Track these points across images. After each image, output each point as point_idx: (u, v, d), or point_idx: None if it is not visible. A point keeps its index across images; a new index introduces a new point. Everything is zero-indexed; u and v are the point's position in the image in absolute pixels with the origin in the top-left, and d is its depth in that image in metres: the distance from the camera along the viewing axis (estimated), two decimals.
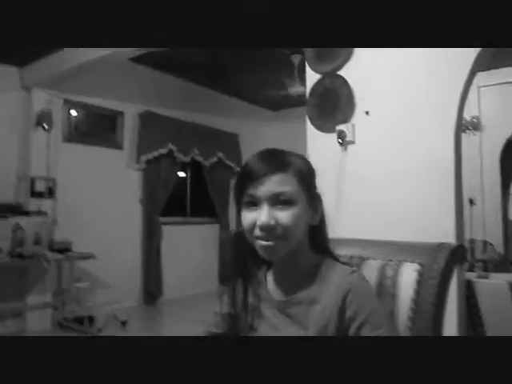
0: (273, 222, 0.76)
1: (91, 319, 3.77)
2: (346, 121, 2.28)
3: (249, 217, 0.79)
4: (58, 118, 4.08)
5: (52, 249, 3.67)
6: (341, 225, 2.22)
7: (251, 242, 0.80)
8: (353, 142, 2.27)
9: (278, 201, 0.77)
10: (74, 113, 4.26)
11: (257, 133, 5.99)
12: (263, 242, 0.78)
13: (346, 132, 2.26)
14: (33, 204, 3.81)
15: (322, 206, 0.86)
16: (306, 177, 0.81)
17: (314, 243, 0.86)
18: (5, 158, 3.81)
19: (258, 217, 0.77)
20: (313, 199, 0.83)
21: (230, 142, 5.83)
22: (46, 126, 3.90)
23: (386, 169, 2.16)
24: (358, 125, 2.27)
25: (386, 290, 0.85)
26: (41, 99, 3.96)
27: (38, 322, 3.81)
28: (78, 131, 4.27)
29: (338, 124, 2.30)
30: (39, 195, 3.87)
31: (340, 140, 2.27)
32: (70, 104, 4.22)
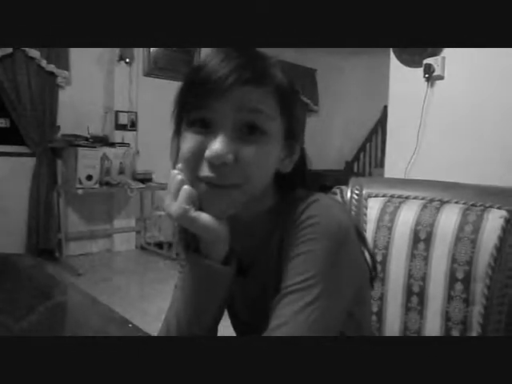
0: (230, 156, 0.50)
1: (170, 245, 4.08)
2: (435, 53, 2.08)
3: (193, 141, 0.52)
4: (139, 53, 4.19)
5: (135, 178, 3.93)
6: (421, 165, 2.11)
7: (191, 187, 0.53)
8: (441, 78, 2.08)
9: (242, 126, 0.52)
10: (153, 48, 4.33)
11: (335, 68, 5.71)
12: (210, 188, 0.52)
13: (435, 66, 2.07)
14: (117, 136, 4.05)
15: (300, 148, 0.61)
16: (289, 101, 0.56)
17: (278, 189, 0.62)
18: (94, 92, 4.02)
19: (208, 145, 0.51)
20: (292, 134, 0.58)
21: (306, 78, 5.63)
22: (128, 60, 4.02)
23: (476, 108, 1.97)
24: (449, 58, 2.06)
25: (465, 235, 0.81)
26: None
27: (124, 244, 4.21)
28: (156, 65, 4.36)
29: (425, 57, 2.10)
30: (122, 127, 4.09)
31: (427, 75, 2.09)
32: None
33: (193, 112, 0.53)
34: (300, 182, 0.63)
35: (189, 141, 0.52)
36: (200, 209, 0.53)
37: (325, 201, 0.57)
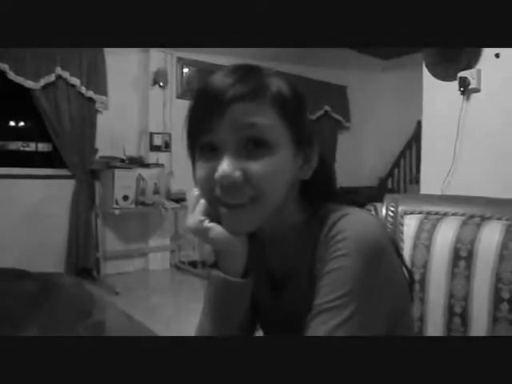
0: (238, 174, 0.50)
1: (204, 264, 4.10)
2: (470, 66, 2.04)
3: (204, 168, 0.53)
4: (172, 76, 4.32)
5: (169, 198, 4.01)
6: (458, 181, 2.05)
7: (212, 212, 0.54)
8: (477, 90, 2.03)
9: (246, 143, 0.51)
10: (186, 70, 4.46)
11: (367, 84, 5.68)
12: (227, 209, 0.52)
13: (470, 79, 2.02)
14: (152, 157, 4.15)
15: (317, 151, 0.59)
16: (291, 107, 0.55)
17: (306, 202, 0.61)
18: (129, 116, 4.16)
19: (217, 167, 0.51)
20: (302, 141, 0.56)
21: (337, 95, 5.62)
22: (162, 84, 4.15)
23: None
24: (485, 70, 2.01)
25: (509, 253, 0.77)
26: (157, 58, 4.20)
27: (159, 263, 4.27)
28: (189, 87, 4.48)
29: (460, 70, 2.06)
30: (157, 148, 4.20)
31: (462, 88, 2.05)
32: (182, 61, 4.42)
33: (200, 138, 0.54)
34: (328, 193, 0.61)
35: (201, 168, 0.54)
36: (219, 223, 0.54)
37: (356, 215, 0.55)
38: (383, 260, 0.52)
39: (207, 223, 0.54)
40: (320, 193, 0.61)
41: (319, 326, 0.50)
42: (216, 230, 0.54)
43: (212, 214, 0.54)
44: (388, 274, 0.53)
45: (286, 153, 0.54)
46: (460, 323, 0.80)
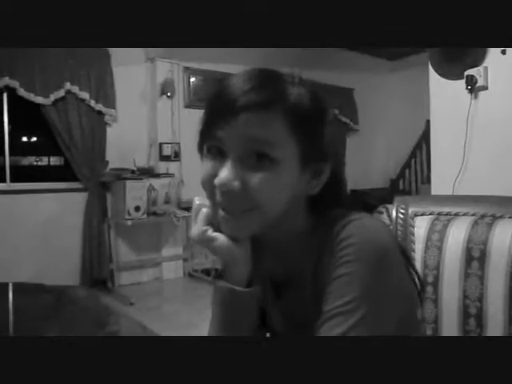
0: (236, 184, 0.50)
1: (217, 271, 4.11)
2: (476, 64, 2.02)
3: (208, 168, 0.54)
4: (179, 86, 4.36)
5: (180, 207, 4.03)
6: (469, 180, 2.03)
7: (215, 220, 0.55)
8: (485, 88, 2.02)
9: (251, 154, 0.51)
10: (193, 79, 4.49)
11: (373, 85, 5.66)
12: (225, 213, 0.53)
13: (477, 77, 2.01)
14: (162, 167, 4.18)
15: (330, 166, 0.57)
16: (306, 121, 0.52)
17: (314, 211, 0.60)
18: (138, 127, 4.21)
19: (218, 172, 0.52)
20: (312, 158, 0.54)
21: (344, 97, 5.61)
22: (169, 94, 4.19)
23: None
24: (492, 67, 1.99)
25: None
26: (164, 69, 4.24)
27: (172, 272, 4.28)
28: (196, 96, 4.51)
29: (466, 69, 2.05)
30: (167, 158, 4.23)
31: (469, 86, 2.03)
32: (189, 71, 4.45)
33: (208, 139, 0.54)
34: (335, 202, 0.60)
35: (205, 167, 0.54)
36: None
37: (362, 220, 0.55)
38: (390, 265, 0.52)
39: (210, 233, 0.54)
40: (329, 203, 0.59)
41: (329, 331, 0.50)
42: (219, 239, 0.54)
43: (215, 223, 0.54)
44: (395, 278, 0.53)
45: (290, 168, 0.53)
46: (475, 324, 0.79)
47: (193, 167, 4.50)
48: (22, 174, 3.77)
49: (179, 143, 4.30)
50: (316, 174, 0.56)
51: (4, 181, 3.57)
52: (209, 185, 0.53)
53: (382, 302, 0.51)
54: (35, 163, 4.03)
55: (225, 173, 0.51)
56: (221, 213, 0.53)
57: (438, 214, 0.89)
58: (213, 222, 0.55)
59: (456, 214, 0.88)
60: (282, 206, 0.54)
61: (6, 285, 1.56)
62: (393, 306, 0.52)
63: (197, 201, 0.57)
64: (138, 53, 4.18)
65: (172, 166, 4.24)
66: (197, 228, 0.55)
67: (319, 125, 0.55)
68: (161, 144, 4.22)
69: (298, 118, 0.52)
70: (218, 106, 0.53)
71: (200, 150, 0.57)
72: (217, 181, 0.51)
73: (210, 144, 0.54)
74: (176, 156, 4.29)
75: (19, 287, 1.59)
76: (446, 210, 0.90)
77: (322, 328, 0.50)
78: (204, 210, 0.56)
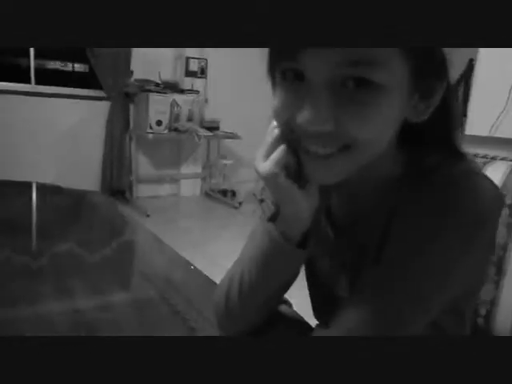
0: (328, 126, 0.39)
1: (233, 193, 4.16)
2: None
3: (285, 99, 0.42)
4: None
5: (202, 126, 3.99)
6: (507, 127, 1.91)
7: (291, 162, 0.45)
8: None
9: (345, 80, 0.38)
10: None
11: None
12: (309, 156, 0.43)
13: None
14: (187, 82, 4.07)
15: (443, 87, 0.43)
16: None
17: (409, 152, 0.49)
18: None
19: (300, 103, 0.40)
20: (425, 73, 0.41)
21: None
22: None
23: None
24: None
25: None
26: None
27: (190, 189, 4.36)
28: None
29: None
30: (193, 74, 4.11)
31: None
32: None
33: (281, 62, 0.42)
34: (441, 144, 0.47)
35: (281, 97, 0.43)
36: (298, 173, 0.45)
37: (470, 185, 0.43)
38: (481, 244, 0.44)
39: (282, 180, 0.45)
40: (434, 141, 0.47)
41: (350, 320, 0.44)
42: (290, 191, 0.46)
43: (290, 165, 0.45)
44: (476, 258, 0.45)
45: (399, 93, 0.40)
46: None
47: (219, 86, 4.38)
48: (46, 77, 3.72)
49: (207, 59, 4.14)
50: (426, 95, 0.43)
51: (29, 82, 3.55)
52: (285, 120, 0.43)
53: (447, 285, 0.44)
54: (60, 68, 3.96)
55: (309, 114, 0.39)
56: (305, 157, 0.44)
57: (474, 155, 0.84)
58: (287, 164, 0.45)
59: (493, 158, 0.82)
60: (384, 143, 0.43)
61: (30, 184, 1.60)
62: (458, 283, 0.45)
63: (276, 130, 0.46)
64: None
65: (197, 83, 4.13)
66: (268, 167, 0.45)
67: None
68: (187, 58, 4.07)
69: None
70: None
71: (271, 73, 0.45)
72: (301, 119, 0.40)
73: (286, 67, 0.41)
74: (202, 72, 4.16)
75: (42, 188, 1.63)
76: (482, 152, 0.84)
77: (346, 310, 0.45)
78: (282, 147, 0.45)
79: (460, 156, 0.47)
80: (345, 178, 0.45)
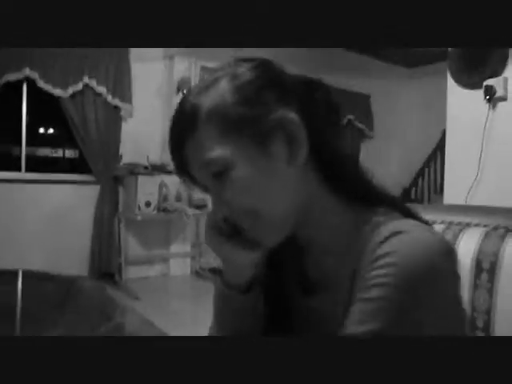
0: (221, 216, 0.52)
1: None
2: (496, 74, 2.00)
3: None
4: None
5: (191, 205, 4.04)
6: (483, 191, 2.00)
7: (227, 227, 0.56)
8: (504, 99, 1.99)
9: (208, 176, 0.50)
10: None
11: (390, 92, 5.62)
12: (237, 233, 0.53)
13: (496, 87, 1.98)
14: None
15: (302, 135, 0.49)
16: (241, 99, 0.48)
17: (341, 201, 0.53)
18: (153, 123, 4.22)
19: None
20: (267, 139, 0.48)
21: (360, 104, 5.58)
22: (185, 91, 4.19)
23: None
24: None
25: None
26: (181, 67, 4.26)
27: (180, 268, 4.30)
28: None
29: (485, 78, 2.03)
30: None
31: (488, 96, 2.01)
32: (205, 71, 4.47)
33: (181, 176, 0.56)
34: (357, 186, 0.53)
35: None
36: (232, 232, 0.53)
37: (413, 234, 0.45)
38: (433, 293, 0.43)
39: (213, 238, 0.54)
40: (348, 187, 0.53)
41: None
42: (225, 246, 0.53)
43: (224, 229, 0.54)
44: (437, 311, 0.44)
45: (247, 163, 0.48)
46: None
47: None
48: (37, 164, 3.82)
49: None
50: (290, 151, 0.49)
51: (19, 169, 3.63)
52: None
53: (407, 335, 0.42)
54: (51, 155, 4.08)
55: (209, 213, 0.54)
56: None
57: (450, 223, 0.88)
58: (222, 229, 0.54)
59: (468, 225, 0.86)
60: (283, 204, 0.50)
61: (16, 272, 1.58)
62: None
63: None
64: (157, 50, 4.21)
65: None
66: (206, 231, 0.55)
67: (259, 89, 0.49)
68: None
69: (225, 112, 0.48)
70: (170, 133, 0.53)
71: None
72: (208, 221, 0.55)
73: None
74: None
75: (28, 274, 1.61)
76: (457, 219, 0.89)
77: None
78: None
79: (401, 208, 0.53)
80: (293, 233, 0.52)
